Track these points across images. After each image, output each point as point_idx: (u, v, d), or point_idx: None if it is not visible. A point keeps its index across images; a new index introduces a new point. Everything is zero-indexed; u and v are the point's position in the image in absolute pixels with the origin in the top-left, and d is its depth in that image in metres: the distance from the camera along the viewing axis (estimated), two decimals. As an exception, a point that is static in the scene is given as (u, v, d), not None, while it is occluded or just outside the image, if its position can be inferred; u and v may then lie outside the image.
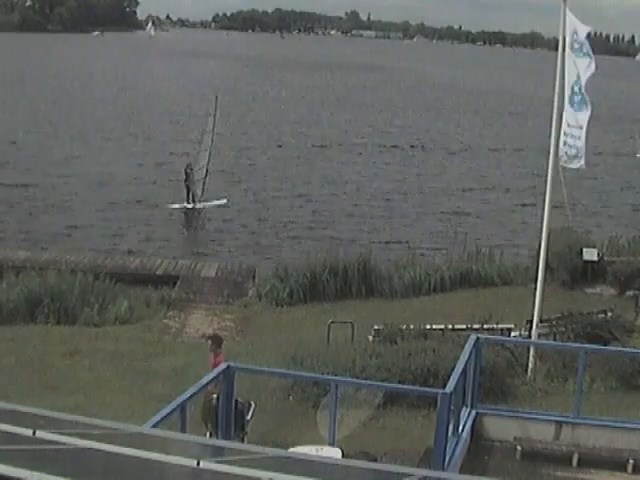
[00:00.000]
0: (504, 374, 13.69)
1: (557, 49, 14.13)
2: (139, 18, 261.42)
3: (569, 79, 13.57)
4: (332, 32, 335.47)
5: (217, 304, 20.68)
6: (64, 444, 2.83)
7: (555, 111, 14.14)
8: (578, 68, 13.44)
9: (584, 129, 13.56)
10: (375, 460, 8.37)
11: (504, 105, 76.90)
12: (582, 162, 13.84)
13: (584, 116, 13.53)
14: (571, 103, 13.57)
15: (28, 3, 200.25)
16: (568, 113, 13.67)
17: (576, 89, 13.45)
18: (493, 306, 17.89)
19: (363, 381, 11.53)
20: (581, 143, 13.65)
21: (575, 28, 13.47)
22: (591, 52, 13.42)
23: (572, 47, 13.48)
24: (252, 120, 56.60)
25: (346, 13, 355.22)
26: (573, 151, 13.71)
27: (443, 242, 27.77)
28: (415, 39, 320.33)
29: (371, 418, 11.55)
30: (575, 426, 10.50)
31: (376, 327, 16.31)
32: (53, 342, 16.81)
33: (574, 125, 13.64)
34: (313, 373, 12.60)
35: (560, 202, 14.84)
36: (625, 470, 9.91)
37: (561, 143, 13.78)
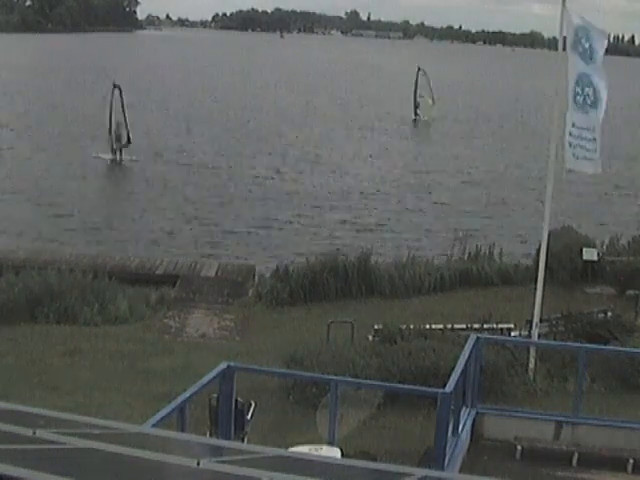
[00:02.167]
0: (504, 374, 13.69)
1: (557, 49, 14.13)
2: (139, 18, 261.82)
3: (570, 79, 13.53)
4: (332, 32, 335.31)
5: (217, 304, 20.67)
6: (64, 444, 2.83)
7: (556, 111, 14.14)
8: (585, 68, 13.38)
9: (597, 130, 13.51)
10: (375, 460, 8.36)
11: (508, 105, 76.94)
12: (597, 167, 13.80)
13: (594, 115, 13.48)
14: (575, 103, 13.48)
15: (28, 3, 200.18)
16: (572, 113, 13.58)
17: (578, 89, 13.39)
18: (493, 306, 17.91)
19: (363, 381, 11.53)
20: (593, 145, 13.56)
21: (579, 29, 13.42)
22: (597, 54, 13.43)
23: (574, 46, 13.41)
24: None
25: (346, 13, 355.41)
26: (582, 152, 13.62)
27: (443, 242, 27.76)
28: (415, 39, 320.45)
29: (371, 418, 11.54)
30: (575, 426, 10.50)
31: (376, 327, 16.32)
32: (53, 342, 16.81)
33: (582, 127, 13.52)
34: (313, 373, 12.60)
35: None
36: (625, 470, 9.91)
37: (566, 145, 13.71)
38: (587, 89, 13.41)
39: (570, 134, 13.60)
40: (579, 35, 13.42)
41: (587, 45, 13.43)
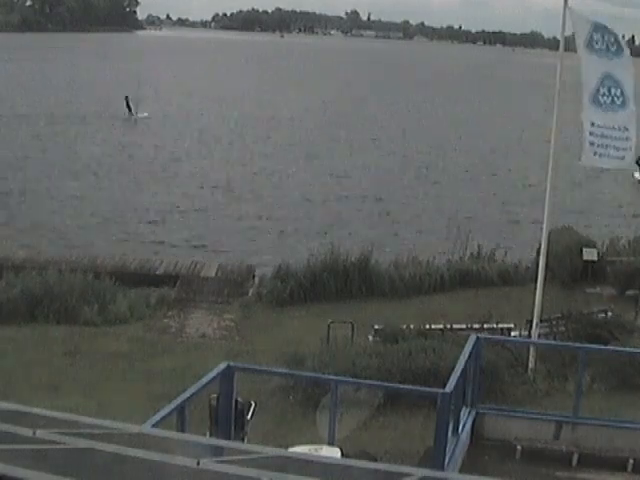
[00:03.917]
0: (504, 374, 13.69)
1: (557, 49, 14.13)
2: (139, 18, 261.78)
3: (588, 79, 13.47)
4: (333, 32, 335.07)
5: (217, 304, 20.67)
6: (64, 444, 2.82)
7: (555, 111, 14.13)
8: (609, 68, 13.37)
9: (632, 129, 13.54)
10: (375, 460, 8.35)
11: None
12: (629, 161, 13.89)
13: (625, 115, 13.51)
14: (597, 103, 13.44)
15: (28, 3, 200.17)
16: (592, 113, 13.55)
17: (604, 90, 13.36)
18: (493, 306, 17.90)
19: (363, 381, 11.52)
20: (626, 144, 13.59)
21: (596, 27, 13.39)
22: (624, 51, 13.45)
23: (590, 46, 13.37)
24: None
25: (346, 13, 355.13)
26: (609, 151, 13.63)
27: (443, 242, 27.75)
28: (415, 39, 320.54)
29: (371, 418, 11.54)
30: (575, 426, 10.50)
31: (376, 327, 16.31)
32: (53, 342, 16.81)
33: (609, 126, 13.50)
34: (313, 373, 12.60)
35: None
36: (625, 470, 9.90)
37: (585, 143, 13.69)
38: (614, 89, 13.38)
39: (591, 134, 13.56)
40: (597, 33, 13.35)
41: (611, 41, 13.37)
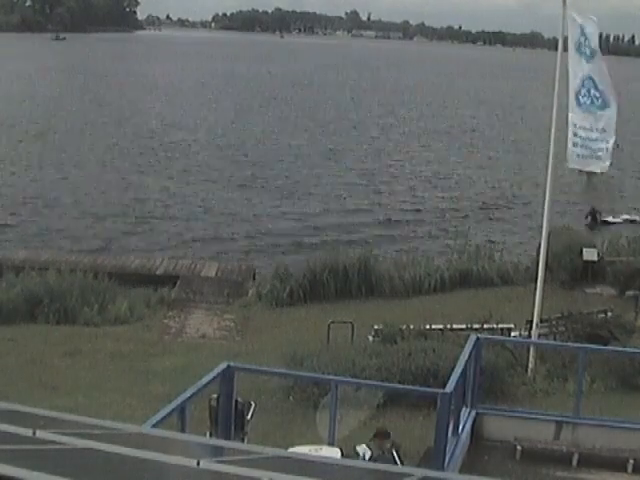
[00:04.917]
0: (504, 374, 13.69)
1: (557, 49, 14.12)
2: (139, 18, 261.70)
3: (573, 80, 13.50)
4: (338, 33, 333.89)
5: (217, 304, 20.68)
6: (64, 444, 2.83)
7: (554, 111, 14.13)
8: (588, 70, 13.38)
9: (610, 130, 13.50)
10: (375, 460, 8.35)
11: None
12: (605, 164, 13.82)
13: (603, 117, 13.48)
14: (578, 104, 13.46)
15: (28, 3, 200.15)
16: (575, 114, 13.56)
17: (584, 91, 13.37)
18: (493, 306, 17.90)
19: (363, 381, 11.52)
20: (601, 145, 13.56)
21: (583, 29, 13.41)
22: (598, 53, 13.42)
23: (578, 48, 13.40)
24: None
25: (346, 13, 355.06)
26: (587, 152, 13.62)
27: (443, 242, 27.76)
28: (415, 39, 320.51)
29: (371, 418, 11.53)
30: (575, 426, 10.49)
31: (376, 327, 16.31)
32: (53, 342, 16.81)
33: (587, 127, 13.51)
34: (313, 373, 12.60)
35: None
36: (625, 470, 9.89)
37: (569, 144, 13.69)
38: (594, 91, 13.38)
39: (575, 135, 13.57)
40: (583, 35, 13.37)
41: (587, 44, 13.41)
